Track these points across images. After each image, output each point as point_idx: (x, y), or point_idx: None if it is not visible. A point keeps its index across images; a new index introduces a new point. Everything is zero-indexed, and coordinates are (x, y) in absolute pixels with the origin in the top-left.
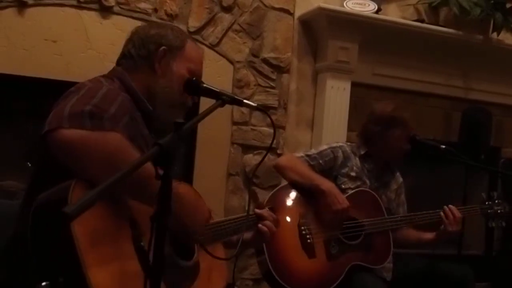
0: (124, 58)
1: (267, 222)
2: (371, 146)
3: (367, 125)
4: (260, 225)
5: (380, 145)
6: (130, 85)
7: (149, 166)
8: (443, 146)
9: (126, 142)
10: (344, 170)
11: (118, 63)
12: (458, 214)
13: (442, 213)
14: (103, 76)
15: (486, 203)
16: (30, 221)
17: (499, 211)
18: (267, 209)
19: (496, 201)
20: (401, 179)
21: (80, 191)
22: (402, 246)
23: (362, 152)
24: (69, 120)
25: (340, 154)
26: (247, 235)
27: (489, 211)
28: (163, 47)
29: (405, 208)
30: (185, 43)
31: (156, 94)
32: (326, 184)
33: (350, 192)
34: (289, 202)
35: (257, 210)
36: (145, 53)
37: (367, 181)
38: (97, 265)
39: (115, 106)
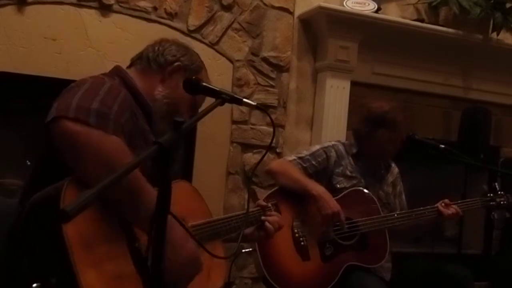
0: (140, 59)
1: (273, 218)
2: (361, 144)
3: (359, 124)
4: (266, 224)
5: (368, 145)
6: (130, 83)
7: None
8: (442, 146)
9: (125, 148)
10: (339, 170)
11: (132, 63)
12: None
13: (439, 206)
14: (103, 74)
15: (488, 195)
16: (22, 221)
17: (502, 202)
18: (269, 205)
19: (499, 193)
20: (396, 170)
21: (73, 192)
22: (401, 233)
23: (354, 151)
24: (76, 112)
25: (333, 153)
26: (247, 229)
27: (491, 203)
28: (179, 63)
29: (402, 198)
30: (200, 70)
31: (156, 101)
32: (317, 188)
33: (345, 192)
34: (282, 206)
35: (261, 202)
36: (160, 61)
37: (362, 179)
38: (88, 266)
39: (118, 102)
